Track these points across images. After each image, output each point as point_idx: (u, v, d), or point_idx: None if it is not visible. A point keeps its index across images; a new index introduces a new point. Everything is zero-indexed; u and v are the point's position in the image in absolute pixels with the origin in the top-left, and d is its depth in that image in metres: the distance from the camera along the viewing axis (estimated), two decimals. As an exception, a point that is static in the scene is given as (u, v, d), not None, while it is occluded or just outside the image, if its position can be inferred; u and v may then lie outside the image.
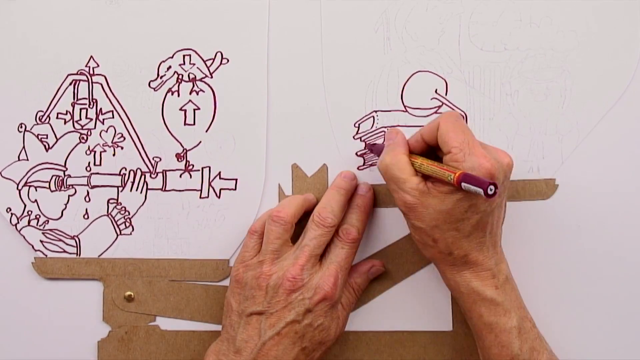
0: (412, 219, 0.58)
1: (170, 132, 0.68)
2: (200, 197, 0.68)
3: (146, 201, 0.68)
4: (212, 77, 0.68)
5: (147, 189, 0.68)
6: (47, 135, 0.69)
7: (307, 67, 0.67)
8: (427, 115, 0.66)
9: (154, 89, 0.68)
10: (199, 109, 0.68)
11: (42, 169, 0.69)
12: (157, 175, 0.68)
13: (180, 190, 0.68)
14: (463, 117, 0.66)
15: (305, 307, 0.59)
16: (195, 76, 0.68)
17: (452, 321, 0.65)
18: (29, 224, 0.69)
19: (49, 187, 0.69)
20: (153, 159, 0.68)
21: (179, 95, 0.68)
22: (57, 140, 0.69)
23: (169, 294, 0.68)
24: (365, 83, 0.67)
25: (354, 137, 0.67)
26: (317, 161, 0.67)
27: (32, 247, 0.68)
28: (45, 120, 0.69)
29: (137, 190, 0.68)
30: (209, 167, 0.68)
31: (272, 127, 0.67)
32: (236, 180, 0.67)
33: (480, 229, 0.57)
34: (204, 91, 0.68)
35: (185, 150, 0.68)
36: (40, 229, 0.68)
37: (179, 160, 0.68)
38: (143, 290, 0.68)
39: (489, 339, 0.58)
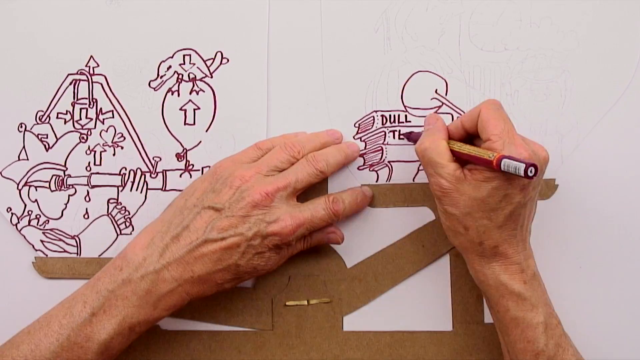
0: (445, 205, 0.58)
1: (170, 132, 0.68)
2: (200, 197, 0.68)
3: (146, 201, 0.68)
4: (212, 77, 0.68)
5: (147, 188, 0.68)
6: (47, 135, 0.69)
7: (307, 67, 0.67)
8: (427, 115, 0.66)
9: (154, 88, 0.68)
10: (199, 108, 0.68)
11: (42, 169, 0.69)
12: (157, 175, 0.68)
13: (180, 190, 0.68)
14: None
15: (258, 228, 0.59)
16: (195, 76, 0.68)
17: (452, 321, 0.65)
18: (29, 224, 0.69)
19: (49, 187, 0.69)
20: (153, 158, 0.68)
21: (179, 95, 0.68)
22: (57, 140, 0.69)
23: (169, 293, 0.67)
24: (365, 83, 0.67)
25: (354, 137, 0.67)
26: (317, 161, 0.67)
27: (33, 246, 0.68)
28: (45, 120, 0.69)
29: (137, 190, 0.68)
30: (209, 167, 0.68)
31: (272, 127, 0.67)
32: (236, 180, 0.67)
33: (512, 220, 0.57)
34: (204, 91, 0.68)
35: (185, 150, 0.68)
36: (40, 229, 0.68)
37: (179, 160, 0.68)
38: (143, 290, 0.68)
39: (515, 333, 0.58)
